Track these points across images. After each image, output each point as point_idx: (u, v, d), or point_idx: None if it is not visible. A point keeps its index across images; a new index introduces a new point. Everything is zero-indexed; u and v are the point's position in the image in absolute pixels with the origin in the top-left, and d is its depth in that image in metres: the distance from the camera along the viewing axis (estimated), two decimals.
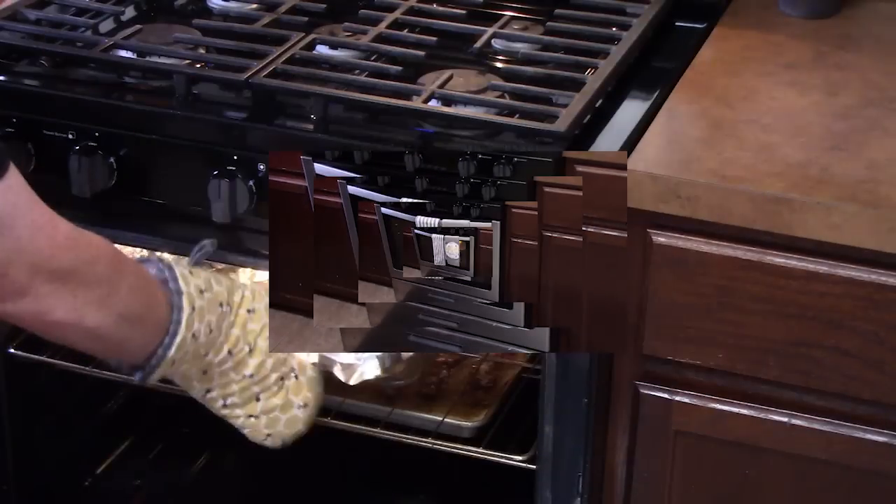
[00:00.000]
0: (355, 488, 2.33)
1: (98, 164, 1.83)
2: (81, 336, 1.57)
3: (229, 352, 1.70)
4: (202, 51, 1.92)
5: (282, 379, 1.76)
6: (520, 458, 2.00)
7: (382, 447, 2.12)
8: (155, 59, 1.89)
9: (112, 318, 1.56)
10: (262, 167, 1.78)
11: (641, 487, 1.87)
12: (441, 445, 2.05)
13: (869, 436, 1.76)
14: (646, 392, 1.83)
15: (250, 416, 1.76)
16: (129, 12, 2.06)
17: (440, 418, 2.09)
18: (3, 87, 1.88)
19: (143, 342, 1.63)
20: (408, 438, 2.06)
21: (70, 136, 1.84)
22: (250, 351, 1.72)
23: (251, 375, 1.73)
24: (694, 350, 1.78)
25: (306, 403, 1.79)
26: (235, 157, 1.79)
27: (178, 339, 1.63)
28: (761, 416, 1.79)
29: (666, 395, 1.82)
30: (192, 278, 1.66)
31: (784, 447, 1.79)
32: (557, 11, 2.04)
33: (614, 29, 1.99)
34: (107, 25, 2.00)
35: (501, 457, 2.02)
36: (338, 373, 1.92)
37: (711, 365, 1.78)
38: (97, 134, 1.83)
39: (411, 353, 1.97)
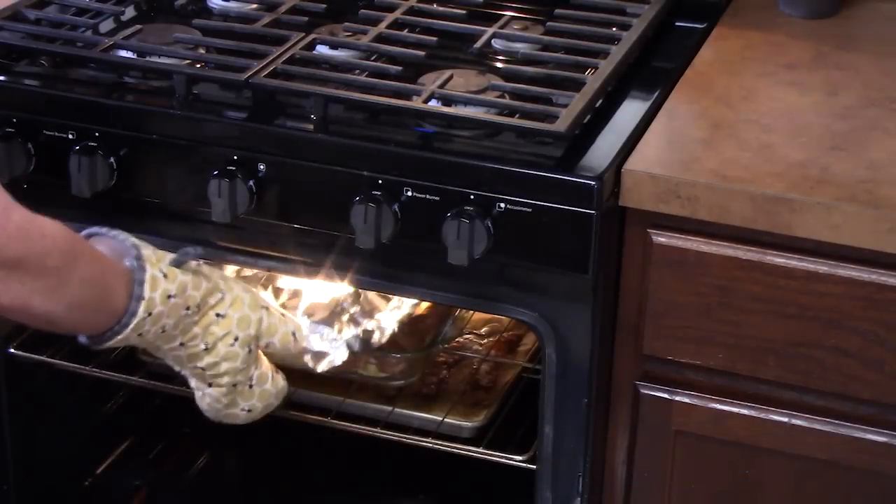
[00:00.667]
0: (355, 488, 2.33)
1: (98, 164, 1.82)
2: (30, 318, 1.59)
3: (181, 343, 1.72)
4: (202, 51, 1.92)
5: (234, 385, 1.77)
6: (520, 458, 2.00)
7: (382, 447, 2.12)
8: (155, 59, 1.88)
9: (61, 307, 1.58)
10: (262, 167, 1.78)
11: (641, 487, 1.87)
12: (441, 445, 2.05)
13: (869, 436, 1.76)
14: (646, 392, 1.83)
15: (199, 389, 1.78)
16: (129, 12, 2.06)
17: (440, 418, 2.09)
18: (3, 87, 1.88)
19: (97, 325, 1.65)
20: (408, 438, 2.06)
21: (70, 136, 1.84)
22: (206, 349, 1.73)
23: (203, 368, 1.75)
24: (694, 350, 1.78)
25: (251, 409, 1.81)
26: (235, 157, 1.79)
27: (120, 337, 1.65)
28: (761, 416, 1.79)
29: (666, 395, 1.82)
30: (163, 282, 1.66)
31: (784, 447, 1.79)
32: (557, 11, 2.03)
33: (614, 29, 1.98)
34: (107, 25, 2.00)
35: (501, 457, 2.02)
36: (308, 361, 1.92)
37: (711, 365, 1.78)
38: (97, 134, 1.83)
39: (383, 339, 1.98)
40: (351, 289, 2.02)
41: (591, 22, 2.01)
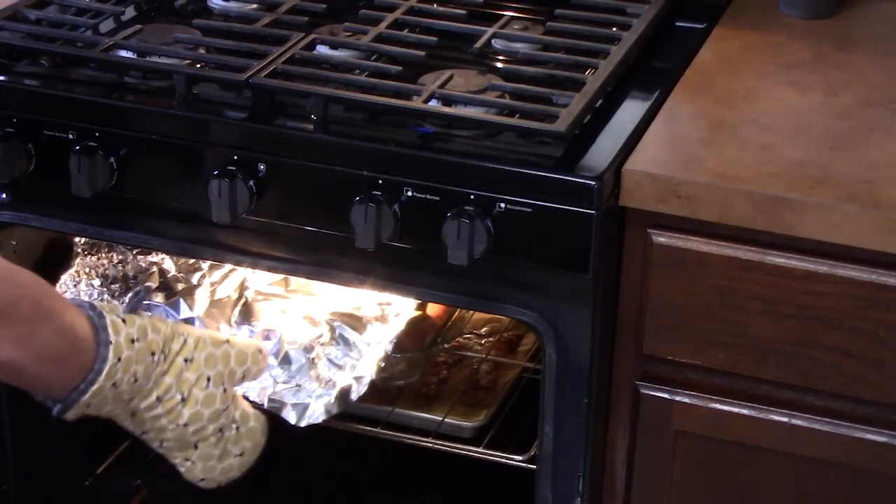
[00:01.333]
0: (355, 488, 2.33)
1: (98, 164, 1.83)
2: None
3: (158, 398, 1.70)
4: (202, 51, 1.92)
5: (220, 430, 1.76)
6: (520, 458, 2.00)
7: (382, 447, 2.12)
8: (155, 59, 1.89)
9: (29, 356, 1.57)
10: (262, 167, 1.78)
11: (641, 487, 1.87)
12: (441, 445, 2.05)
13: (869, 436, 1.76)
14: (646, 392, 1.83)
15: (187, 459, 1.77)
16: (129, 12, 2.06)
17: (440, 418, 2.09)
18: (3, 87, 1.88)
19: (63, 381, 1.63)
20: (408, 438, 2.06)
21: (70, 136, 1.84)
22: (183, 400, 1.71)
23: (186, 425, 1.73)
24: (694, 350, 1.78)
25: (242, 452, 1.80)
26: (235, 157, 1.79)
27: (95, 387, 1.63)
28: (761, 416, 1.79)
29: (666, 395, 1.82)
30: (124, 327, 1.66)
31: (784, 447, 1.79)
32: (557, 11, 2.03)
33: (614, 29, 1.98)
34: (107, 25, 2.00)
35: (501, 457, 2.02)
36: (288, 416, 1.90)
37: (711, 365, 1.78)
38: (97, 134, 1.83)
39: (362, 391, 1.93)
40: (326, 327, 1.99)
41: (591, 22, 2.01)
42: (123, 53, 1.89)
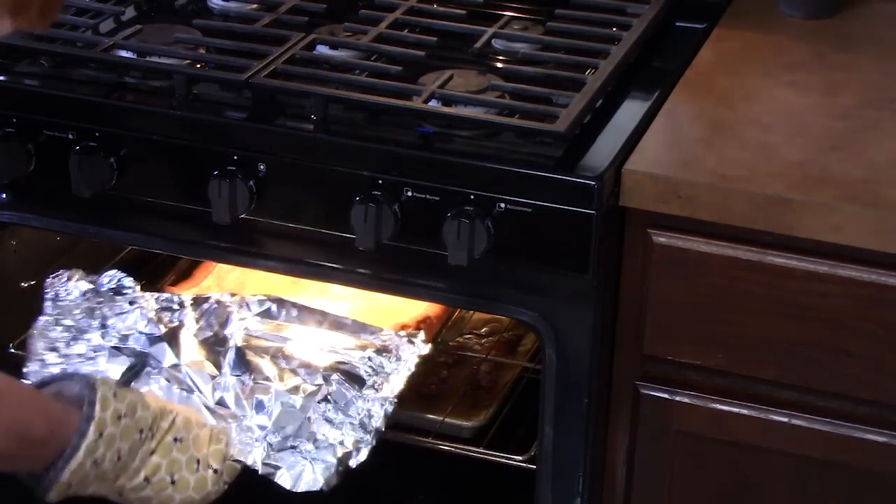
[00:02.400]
0: (354, 488, 2.32)
1: (98, 164, 1.83)
2: None
3: (146, 479, 1.66)
4: (202, 51, 1.92)
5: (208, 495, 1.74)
6: (520, 458, 2.00)
7: (382, 447, 2.11)
8: (155, 59, 1.89)
9: None
10: (262, 167, 1.78)
11: (641, 487, 1.87)
12: (441, 445, 2.05)
13: (869, 436, 1.76)
14: (646, 392, 1.83)
15: None
16: (129, 12, 2.06)
17: (440, 418, 2.09)
18: (3, 87, 1.88)
19: (38, 464, 1.59)
20: (408, 438, 2.06)
21: (70, 136, 1.84)
22: (173, 483, 1.68)
23: None
24: (694, 350, 1.78)
25: (224, 474, 1.78)
26: (235, 158, 1.79)
27: (74, 464, 1.58)
28: (761, 416, 1.79)
29: (666, 395, 1.82)
30: (113, 402, 1.62)
31: (784, 447, 1.80)
32: (557, 11, 2.03)
33: (614, 29, 1.98)
34: (107, 25, 2.00)
35: (501, 457, 2.02)
36: (281, 480, 1.83)
37: (711, 365, 1.78)
38: (97, 134, 1.83)
39: (362, 458, 1.87)
40: (322, 383, 1.92)
41: (591, 22, 2.01)
42: (123, 53, 1.89)
